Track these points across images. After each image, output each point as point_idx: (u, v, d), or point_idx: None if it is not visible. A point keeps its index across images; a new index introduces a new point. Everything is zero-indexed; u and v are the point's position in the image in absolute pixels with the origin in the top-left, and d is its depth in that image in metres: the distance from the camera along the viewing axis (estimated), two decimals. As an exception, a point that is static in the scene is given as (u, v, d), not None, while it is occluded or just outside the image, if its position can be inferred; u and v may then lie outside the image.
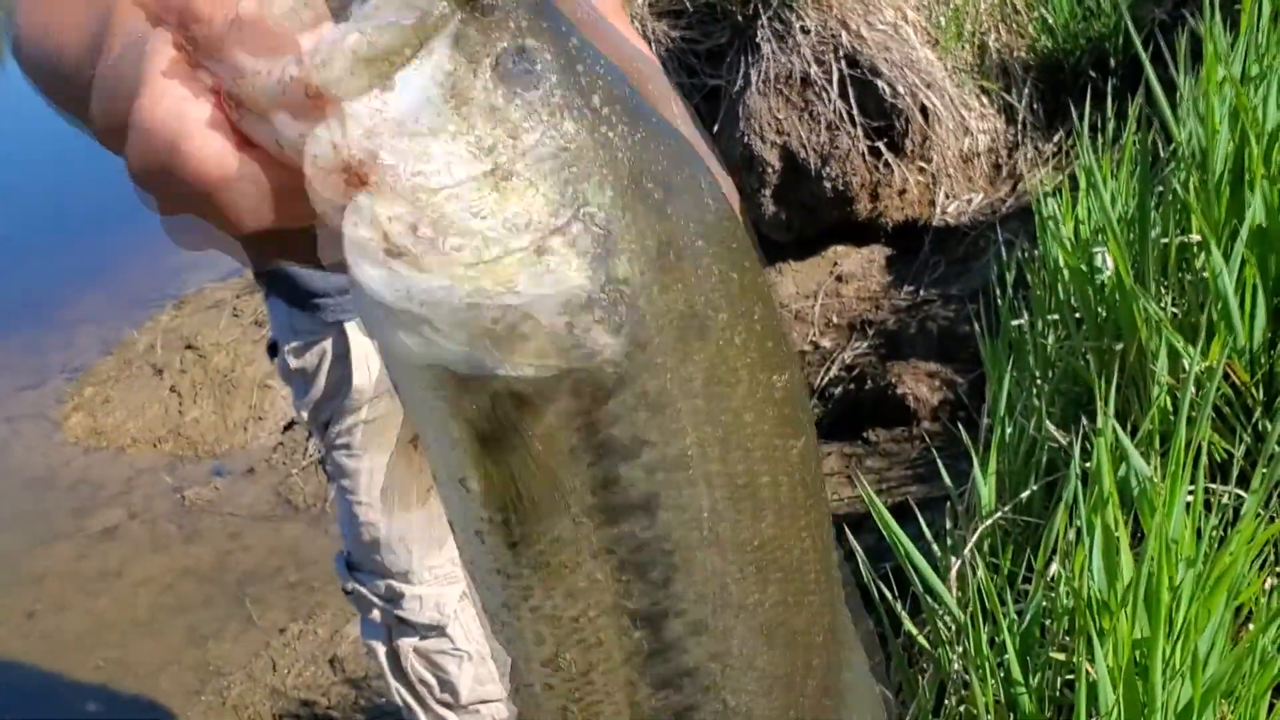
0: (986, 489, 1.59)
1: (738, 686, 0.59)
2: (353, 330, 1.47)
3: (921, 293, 3.94)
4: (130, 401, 5.11)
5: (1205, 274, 1.52)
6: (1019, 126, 4.30)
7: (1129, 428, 1.56)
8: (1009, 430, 1.75)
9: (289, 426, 4.69)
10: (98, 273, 6.98)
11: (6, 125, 11.45)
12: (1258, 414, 1.58)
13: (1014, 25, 4.43)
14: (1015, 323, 1.97)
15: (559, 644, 0.57)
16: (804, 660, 0.62)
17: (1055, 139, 4.25)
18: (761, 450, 0.56)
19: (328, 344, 1.50)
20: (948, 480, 1.75)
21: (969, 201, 4.24)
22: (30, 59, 0.80)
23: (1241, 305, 1.46)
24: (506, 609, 0.57)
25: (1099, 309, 1.77)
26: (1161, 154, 2.22)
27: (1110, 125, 2.45)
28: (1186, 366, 1.37)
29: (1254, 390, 1.52)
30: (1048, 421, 1.70)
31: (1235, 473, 1.44)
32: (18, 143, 10.75)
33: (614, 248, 0.50)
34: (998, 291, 2.04)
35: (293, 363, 1.55)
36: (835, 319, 4.03)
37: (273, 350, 1.58)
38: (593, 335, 0.50)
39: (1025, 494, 1.64)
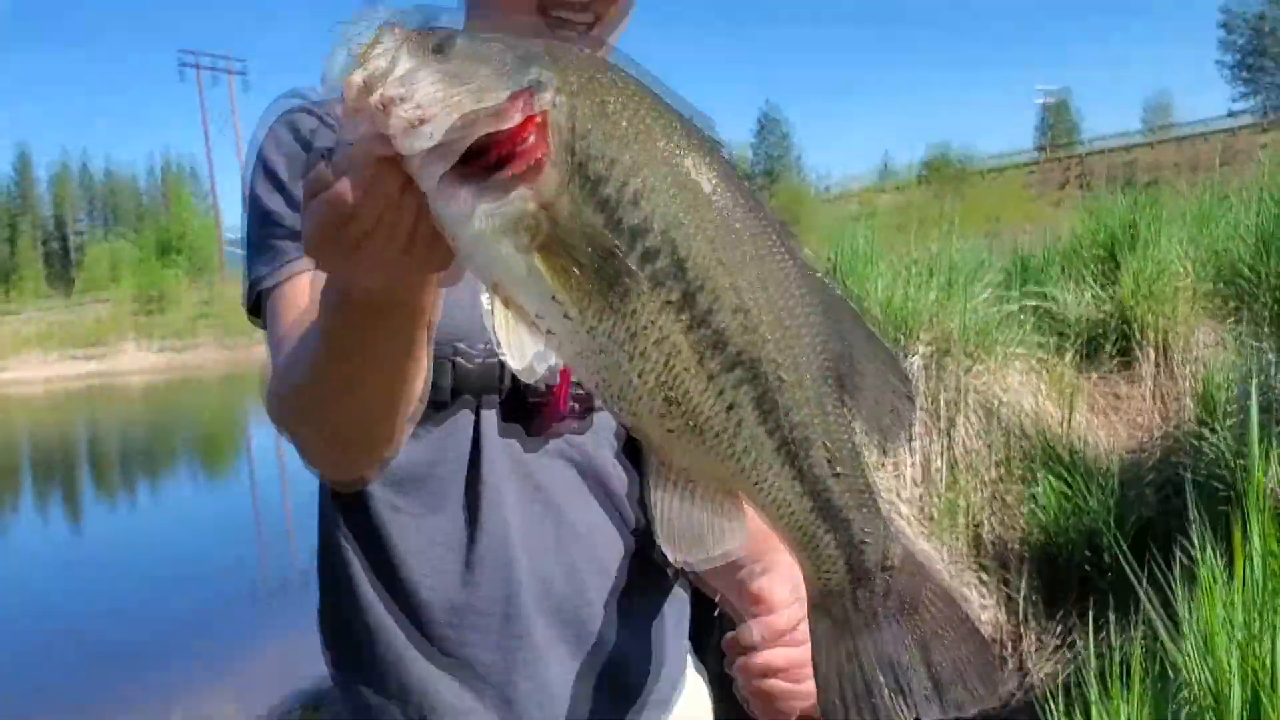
0: None
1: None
2: None
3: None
4: None
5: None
6: (1020, 616, 4.30)
7: None
8: None
9: None
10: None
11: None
12: None
13: (1005, 517, 4.56)
14: None
15: (649, 358, 0.84)
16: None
17: (1057, 630, 4.24)
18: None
19: None
20: None
21: (976, 693, 4.14)
22: (274, 385, 1.22)
23: None
24: (619, 351, 0.84)
25: None
26: (1169, 673, 2.20)
27: (1115, 634, 2.45)
28: None
29: None
30: None
31: None
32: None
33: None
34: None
35: None
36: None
37: None
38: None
39: None
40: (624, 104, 0.84)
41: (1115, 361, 5.69)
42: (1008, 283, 6.31)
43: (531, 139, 0.81)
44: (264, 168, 1.44)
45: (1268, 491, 2.10)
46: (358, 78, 0.83)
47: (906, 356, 4.91)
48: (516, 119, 0.81)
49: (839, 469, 0.89)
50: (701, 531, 0.91)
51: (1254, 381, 2.69)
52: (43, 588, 11.53)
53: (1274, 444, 3.58)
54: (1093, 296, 6.00)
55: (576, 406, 1.51)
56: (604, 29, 1.47)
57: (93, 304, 64.53)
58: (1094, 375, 5.61)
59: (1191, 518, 2.06)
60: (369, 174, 0.85)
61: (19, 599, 11.09)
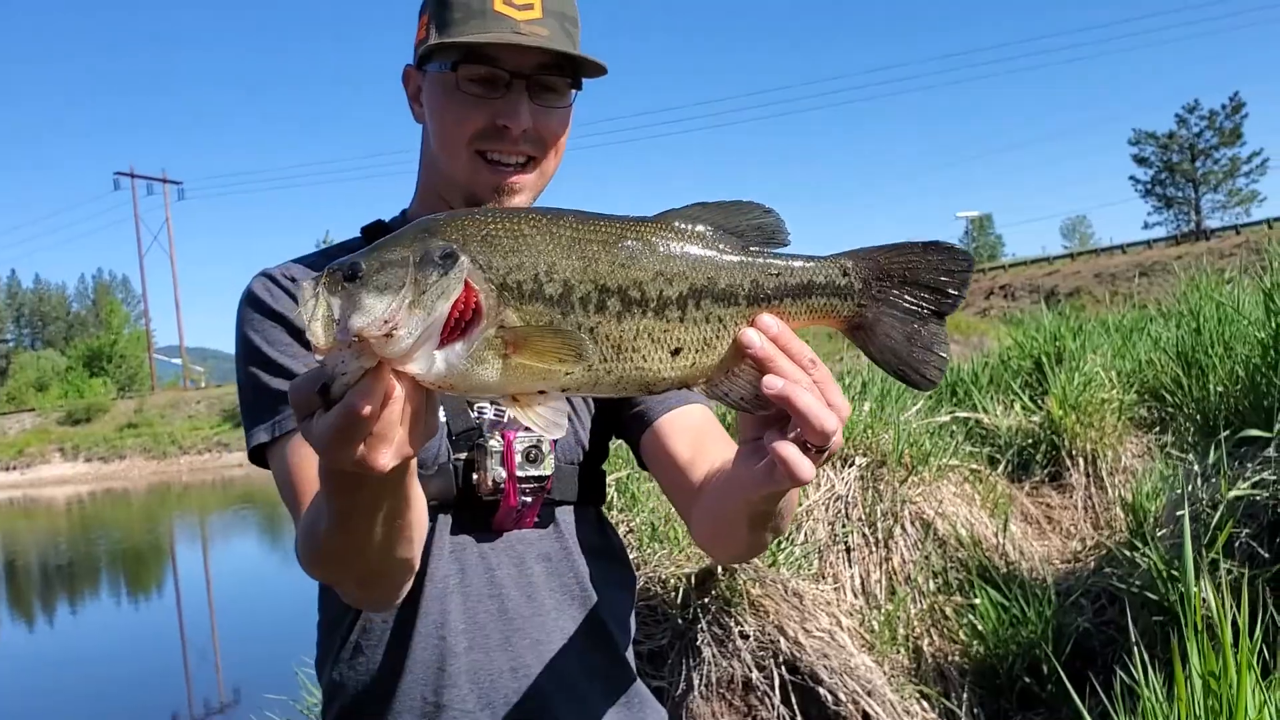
0: None
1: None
2: None
3: None
4: None
5: None
6: (962, 731, 4.29)
7: None
8: None
9: None
10: None
11: None
12: None
13: (945, 630, 4.57)
14: None
15: (640, 348, 1.14)
16: None
17: (1000, 744, 4.22)
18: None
19: None
20: None
21: (921, 811, 4.10)
22: (301, 545, 1.37)
23: None
24: (619, 362, 1.14)
25: None
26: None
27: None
28: None
29: None
30: None
31: None
32: None
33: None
34: None
35: None
36: None
37: None
38: None
39: None
40: (502, 227, 1.11)
41: (1046, 473, 5.80)
42: (938, 396, 6.44)
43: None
44: (247, 345, 1.64)
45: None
46: (315, 328, 1.03)
47: (844, 468, 4.96)
48: (460, 290, 1.06)
49: (783, 278, 1.19)
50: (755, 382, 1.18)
51: (1185, 504, 2.75)
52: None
53: (1203, 556, 3.66)
54: (1022, 409, 6.14)
55: (529, 500, 1.61)
56: (536, 173, 1.62)
57: (16, 415, 62.94)
58: (1026, 486, 5.71)
59: (1132, 638, 2.09)
60: (367, 384, 1.04)
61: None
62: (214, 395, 57.22)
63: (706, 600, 4.34)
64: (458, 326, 1.06)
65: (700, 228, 1.18)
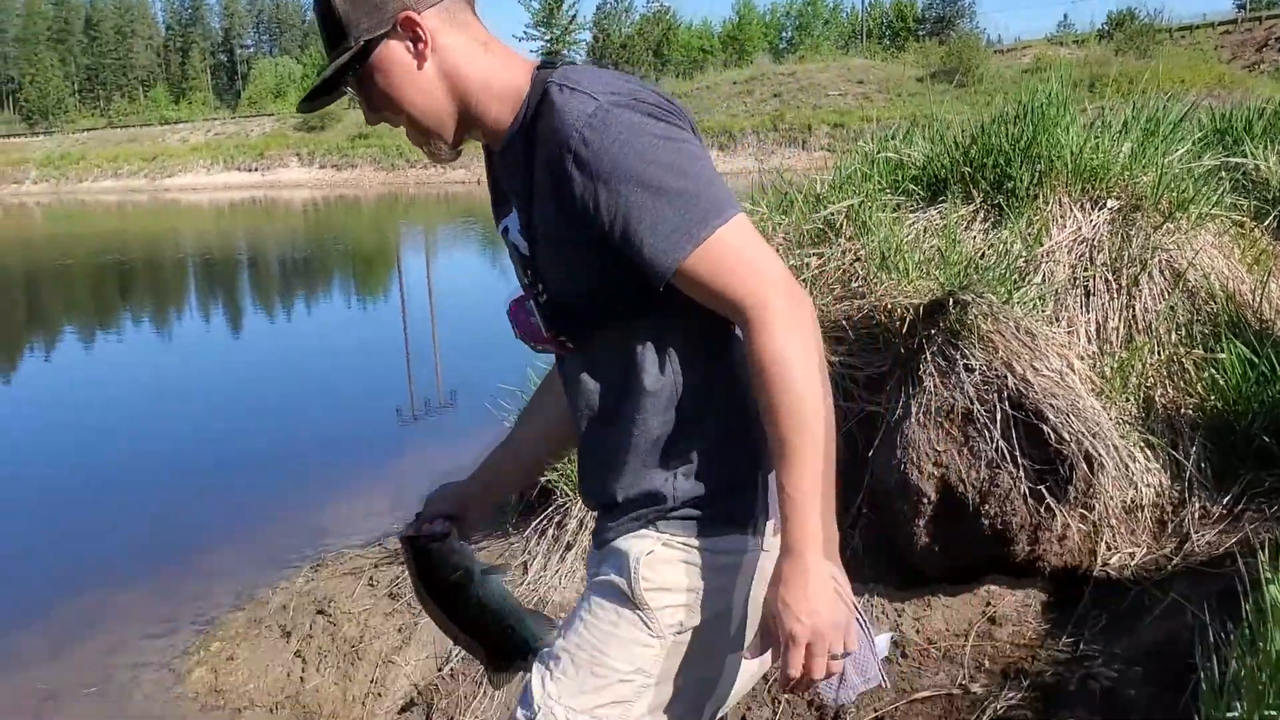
0: None
1: None
2: None
3: (1082, 646, 3.73)
4: (254, 662, 5.10)
5: None
6: (1186, 484, 4.18)
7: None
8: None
9: (407, 708, 4.59)
10: (239, 526, 7.17)
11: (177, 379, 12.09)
12: None
13: (1182, 382, 4.39)
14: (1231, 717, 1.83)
15: None
16: None
17: (1225, 500, 4.11)
18: None
19: None
20: None
21: (1132, 555, 4.08)
22: None
23: None
24: None
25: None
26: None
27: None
28: None
29: None
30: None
31: None
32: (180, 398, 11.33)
33: None
34: (1202, 676, 1.91)
35: None
36: (987, 663, 3.83)
37: None
38: None
39: None
40: None
41: (1318, 231, 5.35)
42: (1205, 142, 5.95)
43: None
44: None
45: None
46: None
47: (1094, 210, 4.70)
48: None
49: None
50: None
51: None
52: (206, 386, 12.14)
53: None
54: (1299, 161, 5.62)
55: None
56: None
57: (257, 119, 66.21)
58: (1292, 244, 5.30)
59: None
60: None
61: (182, 400, 11.70)
62: (438, 111, 58.35)
63: (933, 331, 4.28)
64: None
65: None
